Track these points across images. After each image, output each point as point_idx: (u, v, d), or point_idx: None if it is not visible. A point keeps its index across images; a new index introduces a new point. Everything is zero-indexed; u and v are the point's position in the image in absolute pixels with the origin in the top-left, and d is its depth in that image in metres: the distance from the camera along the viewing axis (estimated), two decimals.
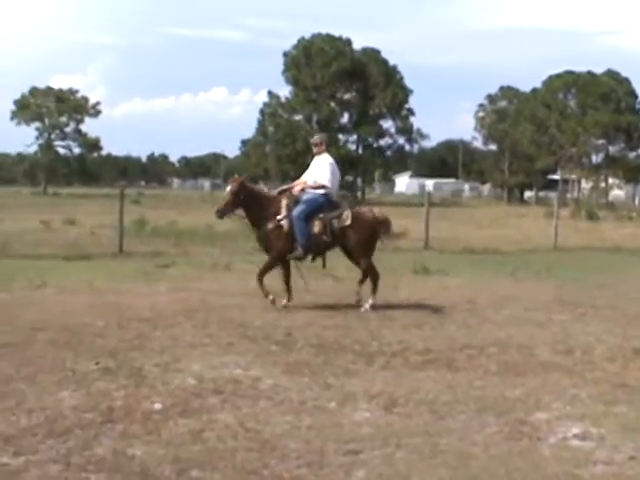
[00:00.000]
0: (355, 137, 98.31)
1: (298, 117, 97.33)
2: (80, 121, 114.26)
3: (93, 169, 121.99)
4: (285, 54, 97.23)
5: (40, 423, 6.79)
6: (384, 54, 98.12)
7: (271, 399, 7.66)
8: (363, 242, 13.38)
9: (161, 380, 8.24)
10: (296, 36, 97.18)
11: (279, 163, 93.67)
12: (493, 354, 9.86)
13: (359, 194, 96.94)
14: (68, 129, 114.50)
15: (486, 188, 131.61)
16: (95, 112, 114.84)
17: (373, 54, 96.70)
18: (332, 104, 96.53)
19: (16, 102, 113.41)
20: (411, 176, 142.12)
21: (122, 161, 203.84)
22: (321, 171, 13.31)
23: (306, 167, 13.78)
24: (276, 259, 13.17)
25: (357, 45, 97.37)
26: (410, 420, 7.11)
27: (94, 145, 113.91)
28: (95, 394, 7.71)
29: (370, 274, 13.43)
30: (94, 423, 6.82)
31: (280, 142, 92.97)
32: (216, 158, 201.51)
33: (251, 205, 13.09)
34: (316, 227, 12.99)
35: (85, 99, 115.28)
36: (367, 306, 12.93)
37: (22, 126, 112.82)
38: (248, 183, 13.61)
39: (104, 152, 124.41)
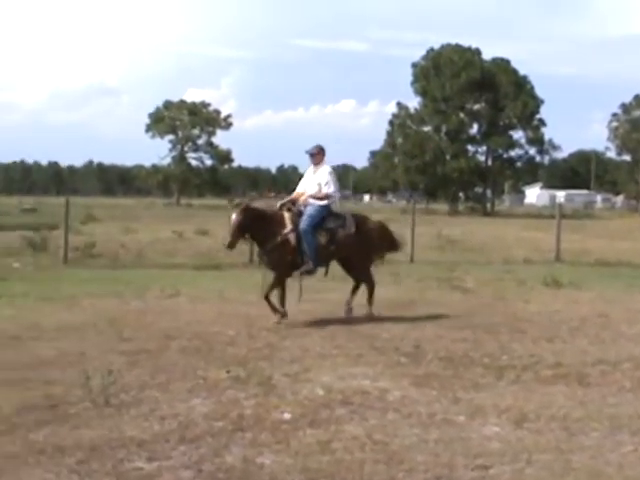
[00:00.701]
0: (484, 148, 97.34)
1: (427, 128, 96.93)
2: (212, 133, 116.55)
3: (224, 180, 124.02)
4: (414, 65, 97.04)
5: (172, 429, 6.93)
6: (514, 64, 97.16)
7: (399, 411, 7.62)
8: (366, 250, 13.33)
9: (290, 390, 8.30)
10: (423, 47, 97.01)
11: (408, 174, 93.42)
12: (627, 370, 9.58)
13: (488, 206, 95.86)
14: (200, 141, 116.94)
15: (619, 199, 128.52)
16: (226, 125, 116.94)
17: (503, 64, 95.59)
18: (461, 115, 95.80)
19: (151, 115, 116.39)
20: (542, 187, 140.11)
21: (252, 172, 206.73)
22: (324, 180, 13.02)
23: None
24: (284, 274, 12.77)
25: (486, 55, 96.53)
26: (541, 436, 6.97)
27: (225, 157, 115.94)
28: (225, 402, 7.82)
29: (367, 283, 13.33)
30: (225, 431, 6.92)
31: (409, 153, 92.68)
32: (345, 169, 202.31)
33: (257, 226, 12.55)
34: (322, 238, 12.77)
35: (217, 112, 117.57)
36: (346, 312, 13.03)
37: (156, 139, 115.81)
38: (251, 207, 12.96)
39: (235, 164, 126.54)
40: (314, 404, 7.80)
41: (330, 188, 12.99)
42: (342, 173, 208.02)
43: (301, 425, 7.11)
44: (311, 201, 12.93)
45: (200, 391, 8.21)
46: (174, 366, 9.28)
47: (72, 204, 23.62)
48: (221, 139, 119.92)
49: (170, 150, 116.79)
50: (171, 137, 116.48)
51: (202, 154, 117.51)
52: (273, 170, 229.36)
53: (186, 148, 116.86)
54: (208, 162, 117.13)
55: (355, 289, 13.36)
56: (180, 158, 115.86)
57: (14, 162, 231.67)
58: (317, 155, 13.24)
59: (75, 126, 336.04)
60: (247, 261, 22.06)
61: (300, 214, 12.76)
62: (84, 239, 25.64)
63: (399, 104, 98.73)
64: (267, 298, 12.47)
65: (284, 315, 12.38)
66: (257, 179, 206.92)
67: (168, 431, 6.87)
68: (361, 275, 13.38)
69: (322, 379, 8.76)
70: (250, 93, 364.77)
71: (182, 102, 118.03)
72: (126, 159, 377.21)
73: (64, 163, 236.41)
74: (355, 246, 13.03)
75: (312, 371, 9.12)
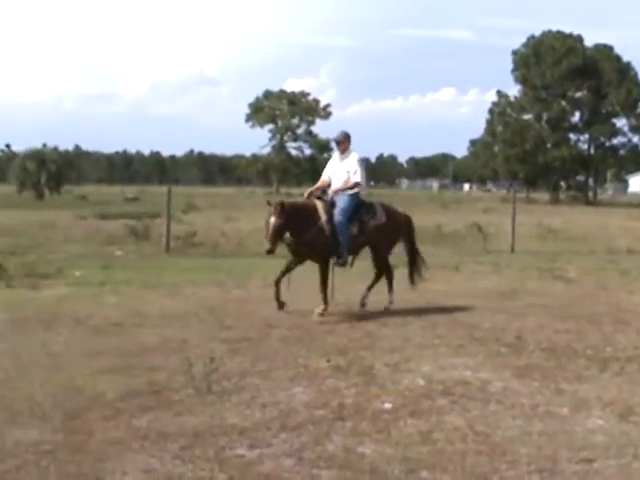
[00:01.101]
0: (587, 136, 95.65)
1: (527, 116, 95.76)
2: (311, 123, 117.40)
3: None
4: (514, 53, 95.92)
5: (274, 417, 6.97)
6: (617, 50, 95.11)
7: (501, 402, 7.54)
8: (394, 239, 13.23)
9: (391, 380, 8.28)
10: (523, 34, 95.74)
11: (507, 163, 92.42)
12: None
13: (590, 195, 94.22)
14: (300, 131, 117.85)
15: None
16: (326, 114, 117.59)
17: (605, 50, 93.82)
18: (562, 103, 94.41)
19: (251, 105, 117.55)
20: None
21: None
22: (353, 169, 12.66)
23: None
24: (325, 266, 12.41)
25: (588, 42, 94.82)
26: None
27: (325, 146, 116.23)
28: (326, 391, 7.84)
29: (387, 273, 13.07)
30: (325, 419, 6.93)
31: (509, 142, 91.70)
32: (444, 158, 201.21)
33: (293, 221, 12.00)
34: (354, 228, 12.47)
35: (316, 101, 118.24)
36: (390, 304, 12.76)
37: (256, 128, 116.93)
38: (286, 205, 12.04)
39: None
40: (415, 394, 7.76)
41: (359, 176, 12.67)
42: (441, 162, 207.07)
43: (402, 415, 7.09)
44: (341, 191, 12.61)
45: (301, 379, 8.25)
46: (275, 354, 9.34)
47: (174, 193, 23.94)
48: (320, 128, 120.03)
49: (270, 139, 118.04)
50: (271, 127, 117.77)
51: (301, 143, 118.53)
52: (373, 159, 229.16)
53: (285, 137, 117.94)
54: (307, 151, 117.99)
55: (374, 283, 13.01)
56: (280, 147, 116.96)
57: (117, 152, 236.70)
58: (343, 142, 12.88)
59: (176, 116, 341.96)
60: None
61: (332, 204, 12.44)
62: (185, 228, 26.00)
63: (499, 92, 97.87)
64: (324, 290, 12.22)
65: (282, 305, 12.19)
66: None
67: (269, 419, 6.92)
68: (383, 264, 13.09)
69: (423, 369, 8.72)
70: (350, 82, 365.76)
71: (282, 92, 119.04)
72: (226, 149, 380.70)
73: (166, 153, 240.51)
74: (384, 236, 12.82)
75: (413, 361, 9.08)
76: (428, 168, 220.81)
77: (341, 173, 12.76)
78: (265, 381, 8.16)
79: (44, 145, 76.14)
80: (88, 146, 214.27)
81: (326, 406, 7.31)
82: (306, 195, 12.94)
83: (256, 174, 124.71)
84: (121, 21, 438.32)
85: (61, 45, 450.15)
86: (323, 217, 12.23)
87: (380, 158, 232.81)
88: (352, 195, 12.57)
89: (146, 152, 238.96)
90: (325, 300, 12.10)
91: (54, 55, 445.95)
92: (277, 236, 11.85)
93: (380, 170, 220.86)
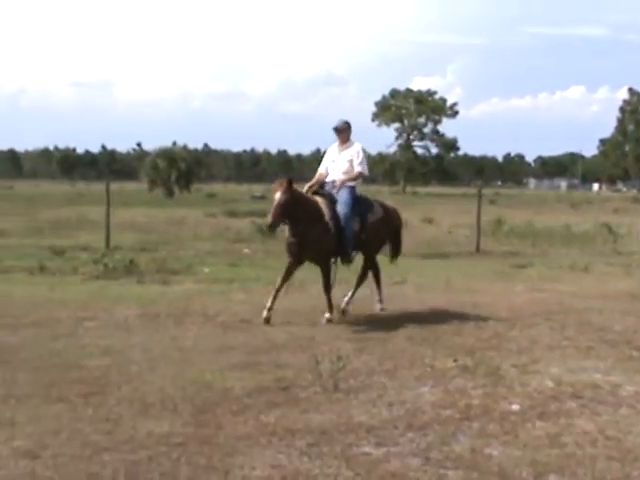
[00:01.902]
0: None
1: None
2: (438, 122, 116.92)
3: (450, 169, 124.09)
4: None
5: (400, 416, 6.98)
6: None
7: (633, 407, 7.37)
8: (389, 235, 12.60)
9: (518, 381, 8.18)
10: None
11: (639, 162, 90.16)
12: None
13: None
14: (426, 130, 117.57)
15: None
16: (452, 113, 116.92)
17: None
18: None
19: (377, 104, 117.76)
20: None
21: (478, 161, 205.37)
22: (357, 159, 11.87)
23: None
24: (328, 265, 11.70)
25: None
26: None
27: (451, 145, 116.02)
28: (453, 391, 7.80)
29: (375, 270, 12.51)
30: (452, 420, 6.90)
31: None
32: (573, 158, 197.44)
33: (298, 211, 11.15)
34: (356, 224, 11.73)
35: (443, 100, 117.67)
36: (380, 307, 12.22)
37: (382, 127, 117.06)
38: (295, 187, 11.24)
39: (461, 152, 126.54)
40: (543, 396, 7.66)
41: (364, 167, 11.96)
42: (569, 161, 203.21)
43: (529, 417, 7.01)
44: (339, 185, 11.79)
45: (427, 379, 8.23)
46: (401, 353, 9.34)
47: None
48: (447, 127, 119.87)
49: (396, 138, 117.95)
50: (397, 125, 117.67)
51: (428, 142, 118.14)
52: (500, 158, 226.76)
53: (412, 136, 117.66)
54: (434, 150, 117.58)
55: (359, 285, 12.46)
56: (406, 146, 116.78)
57: (244, 150, 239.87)
58: (344, 131, 12.03)
59: (303, 115, 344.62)
60: (474, 250, 21.98)
61: (333, 199, 11.64)
62: None
63: (631, 90, 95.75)
64: (328, 294, 11.56)
65: (268, 320, 11.10)
66: (483, 167, 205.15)
67: (396, 417, 6.93)
68: (372, 260, 12.46)
69: (551, 371, 8.59)
70: (476, 81, 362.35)
71: (408, 90, 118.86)
72: None
73: (292, 151, 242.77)
74: (381, 231, 12.22)
75: (541, 362, 8.95)
76: (556, 167, 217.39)
77: (341, 162, 11.96)
78: (391, 380, 8.17)
79: (174, 143, 78.02)
80: (216, 144, 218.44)
81: (453, 406, 7.28)
82: (305, 191, 11.87)
83: (382, 173, 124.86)
84: (250, 20, 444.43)
85: (190, 44, 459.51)
86: (327, 213, 11.46)
87: (507, 157, 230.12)
88: (351, 188, 11.84)
89: (273, 151, 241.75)
90: (330, 305, 11.50)
91: (183, 54, 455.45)
92: (281, 212, 10.95)
93: (507, 169, 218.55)
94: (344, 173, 11.85)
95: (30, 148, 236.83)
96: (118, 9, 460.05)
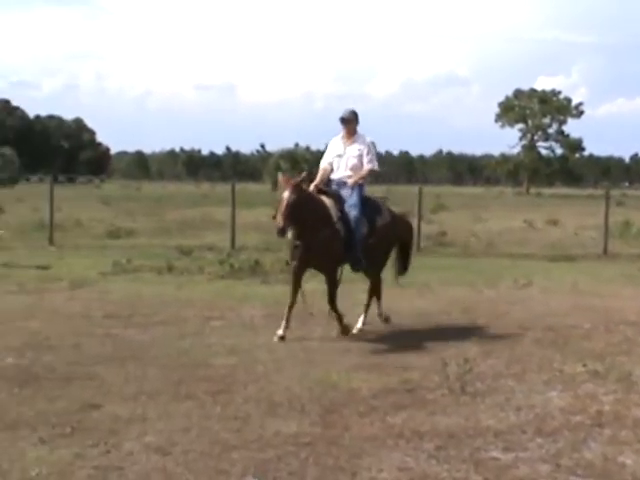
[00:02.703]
0: None
1: None
2: (563, 122, 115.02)
3: (575, 170, 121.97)
4: None
5: (529, 421, 6.86)
6: None
7: None
8: (397, 241, 11.34)
9: None
10: None
11: None
12: None
13: None
14: (551, 130, 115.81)
15: None
16: (577, 113, 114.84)
17: None
18: None
19: (500, 104, 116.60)
20: None
21: (604, 162, 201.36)
22: (367, 154, 10.79)
23: None
24: (335, 273, 10.60)
25: None
26: None
27: (576, 146, 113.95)
28: (583, 396, 7.63)
29: (379, 282, 11.29)
30: (583, 426, 6.75)
31: None
32: None
33: (306, 211, 10.06)
34: (364, 228, 10.61)
35: (568, 100, 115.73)
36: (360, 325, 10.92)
37: (506, 128, 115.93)
38: (303, 186, 10.31)
39: (586, 153, 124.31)
40: None
41: (374, 163, 10.90)
42: None
43: None
44: (346, 181, 10.80)
45: (556, 384, 8.08)
46: (529, 357, 9.19)
47: (423, 193, 24.01)
48: (572, 127, 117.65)
49: (520, 139, 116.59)
50: (521, 126, 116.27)
51: (552, 143, 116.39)
52: (627, 159, 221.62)
53: (536, 137, 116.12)
54: (558, 151, 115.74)
55: (371, 299, 11.26)
56: (530, 147, 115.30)
57: None
58: (351, 122, 10.91)
59: (425, 116, 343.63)
60: (601, 253, 21.53)
61: (340, 198, 10.62)
62: (435, 228, 26.06)
63: None
64: (334, 307, 10.52)
65: (284, 337, 10.03)
66: (610, 168, 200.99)
67: (524, 422, 6.81)
68: (377, 269, 11.21)
69: None
70: (602, 80, 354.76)
71: (532, 91, 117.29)
72: (475, 148, 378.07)
73: (414, 152, 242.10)
74: (389, 237, 11.02)
75: None
76: None
77: (348, 158, 10.89)
78: (519, 384, 8.05)
79: (296, 145, 78.70)
80: None
81: (583, 412, 7.12)
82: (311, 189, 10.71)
83: (506, 174, 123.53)
84: (372, 21, 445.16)
85: (312, 46, 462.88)
86: (335, 215, 10.42)
87: (634, 158, 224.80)
88: (360, 187, 10.75)
89: (395, 152, 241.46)
90: (340, 318, 10.49)
91: (305, 56, 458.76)
92: (291, 213, 9.79)
93: (635, 170, 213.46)
94: (352, 169, 10.84)
95: (157, 150, 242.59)
96: (241, 13, 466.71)
